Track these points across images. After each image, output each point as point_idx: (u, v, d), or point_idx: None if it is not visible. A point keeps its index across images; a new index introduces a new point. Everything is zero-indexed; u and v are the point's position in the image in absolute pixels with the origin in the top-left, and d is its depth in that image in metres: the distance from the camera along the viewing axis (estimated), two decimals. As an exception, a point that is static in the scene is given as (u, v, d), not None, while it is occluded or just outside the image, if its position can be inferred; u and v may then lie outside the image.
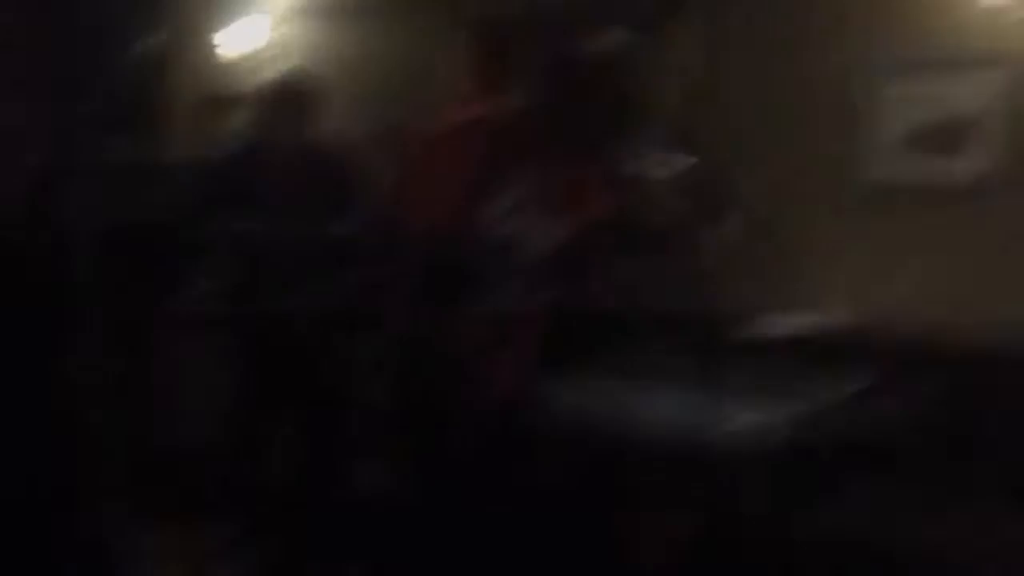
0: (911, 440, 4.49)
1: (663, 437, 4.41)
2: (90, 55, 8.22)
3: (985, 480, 4.70)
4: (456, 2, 6.95)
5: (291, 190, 5.49)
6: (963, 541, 4.50)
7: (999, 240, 5.34)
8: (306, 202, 5.49)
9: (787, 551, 4.37)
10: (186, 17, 8.77)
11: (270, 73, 7.50)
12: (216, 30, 8.34)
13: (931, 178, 5.44)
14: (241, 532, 5.58)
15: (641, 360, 5.02)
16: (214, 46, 8.41)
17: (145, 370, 6.04)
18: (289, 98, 5.62)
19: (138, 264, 6.18)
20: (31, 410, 2.97)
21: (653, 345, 5.02)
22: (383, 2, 7.43)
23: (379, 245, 5.42)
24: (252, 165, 5.63)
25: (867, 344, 4.94)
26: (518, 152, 4.11)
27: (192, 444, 6.43)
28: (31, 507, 2.93)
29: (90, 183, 4.43)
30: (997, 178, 5.35)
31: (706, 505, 4.09)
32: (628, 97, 4.35)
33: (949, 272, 5.36)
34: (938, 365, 4.83)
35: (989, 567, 4.44)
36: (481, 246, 4.02)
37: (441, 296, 4.09)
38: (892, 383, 4.56)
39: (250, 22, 8.17)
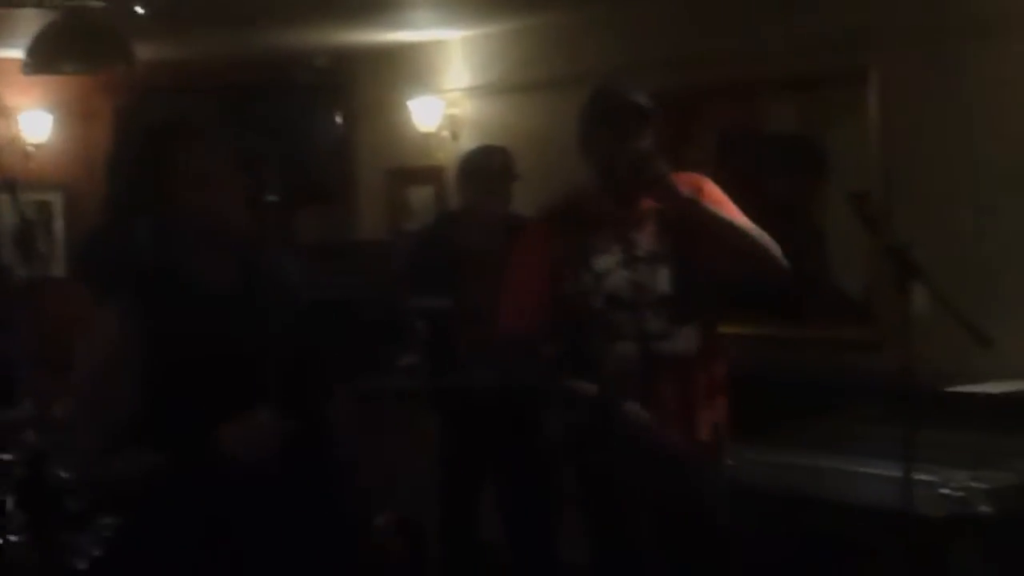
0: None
1: (870, 505, 4.43)
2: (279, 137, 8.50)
3: None
4: (633, 73, 7.08)
5: (488, 262, 5.56)
6: None
7: None
8: (502, 274, 5.56)
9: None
10: (368, 97, 9.01)
11: (454, 148, 7.71)
12: (398, 108, 8.56)
13: None
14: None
15: (843, 428, 5.04)
16: (397, 123, 8.62)
17: (341, 445, 6.17)
18: (489, 171, 5.70)
19: (334, 341, 6.34)
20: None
21: (855, 413, 5.03)
22: (558, 78, 7.55)
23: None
24: (449, 239, 5.74)
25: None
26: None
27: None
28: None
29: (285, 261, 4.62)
30: None
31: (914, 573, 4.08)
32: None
33: None
34: None
35: None
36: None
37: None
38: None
39: (428, 101, 8.37)
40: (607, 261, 4.11)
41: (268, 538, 3.07)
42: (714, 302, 4.24)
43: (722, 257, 4.13)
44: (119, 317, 3.01)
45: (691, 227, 4.10)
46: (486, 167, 5.72)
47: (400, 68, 8.64)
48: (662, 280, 4.11)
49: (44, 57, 5.36)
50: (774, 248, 4.14)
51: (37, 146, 8.50)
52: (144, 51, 6.19)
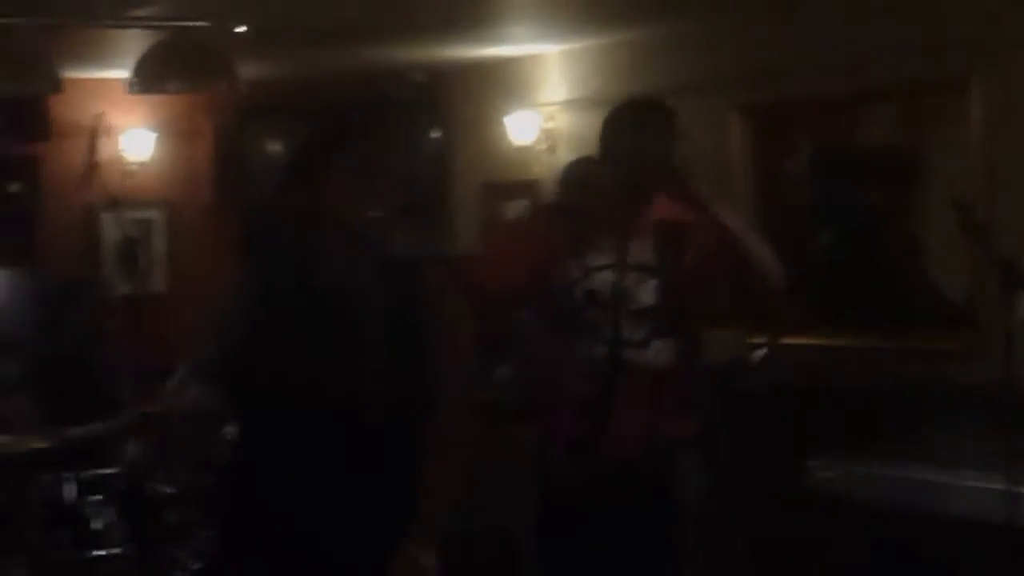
0: None
1: (971, 518, 4.37)
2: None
3: None
4: (729, 87, 7.06)
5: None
6: None
7: None
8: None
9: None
10: (465, 112, 9.06)
11: (553, 163, 7.72)
12: (495, 122, 8.60)
13: None
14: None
15: (944, 439, 4.97)
16: (494, 138, 8.67)
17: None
18: (587, 184, 5.70)
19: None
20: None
21: (956, 424, 4.96)
22: (652, 91, 7.54)
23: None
24: None
25: None
26: None
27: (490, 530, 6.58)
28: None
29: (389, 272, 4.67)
30: None
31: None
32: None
33: None
34: None
35: None
36: None
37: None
38: None
39: (525, 115, 8.40)
40: (599, 260, 4.12)
41: (360, 550, 3.10)
42: (698, 319, 4.24)
43: (717, 269, 4.12)
44: (252, 275, 3.21)
45: (691, 236, 4.11)
46: (584, 179, 5.72)
47: (497, 83, 8.67)
48: (647, 291, 4.11)
49: (150, 77, 5.46)
50: (774, 265, 4.13)
51: (139, 164, 8.62)
52: (244, 70, 6.27)
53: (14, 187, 8.27)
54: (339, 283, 3.16)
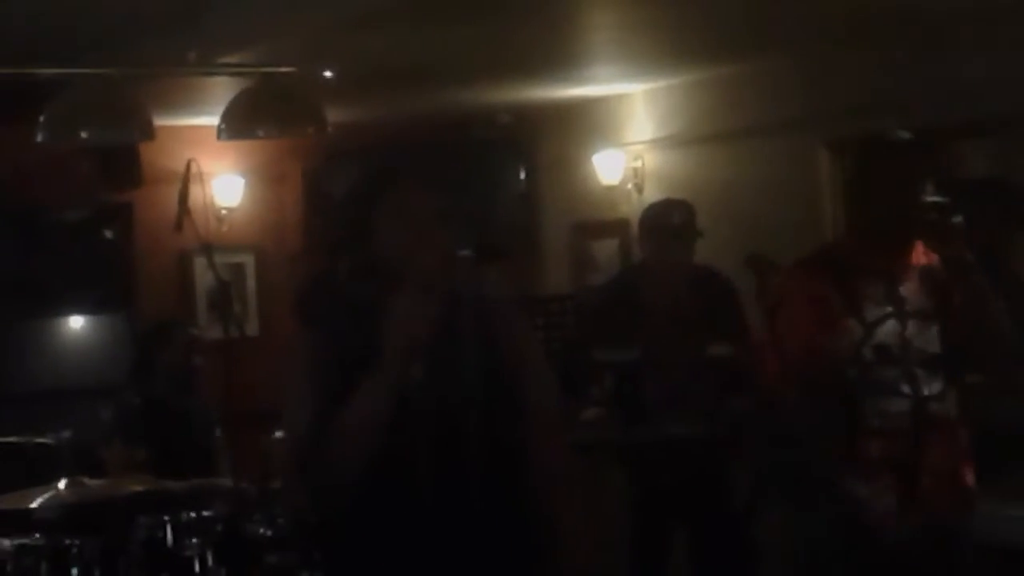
0: None
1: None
2: (463, 194, 8.59)
3: None
4: (818, 123, 7.01)
5: (674, 315, 5.57)
6: None
7: None
8: (690, 327, 5.56)
9: None
10: (552, 152, 9.08)
11: (638, 201, 7.71)
12: (582, 162, 8.61)
13: None
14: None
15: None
16: (581, 177, 8.68)
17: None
18: (670, 225, 5.69)
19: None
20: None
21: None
22: (741, 128, 7.52)
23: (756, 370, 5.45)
24: (635, 292, 5.74)
25: None
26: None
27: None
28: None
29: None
30: None
31: None
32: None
33: None
34: None
35: None
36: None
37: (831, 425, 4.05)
38: None
39: (612, 154, 8.40)
40: (877, 312, 3.98)
41: None
42: (975, 363, 4.14)
43: (980, 312, 4.01)
44: (314, 342, 3.17)
45: (957, 283, 4.00)
46: (667, 221, 5.71)
47: (583, 122, 8.69)
48: (932, 338, 4.01)
49: (238, 123, 5.53)
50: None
51: (230, 209, 8.73)
52: (332, 114, 6.33)
53: (109, 233, 8.39)
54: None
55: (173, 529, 4.81)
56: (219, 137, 5.71)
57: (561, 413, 3.35)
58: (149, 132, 5.64)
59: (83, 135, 5.43)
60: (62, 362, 8.12)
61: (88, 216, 8.37)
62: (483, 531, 3.09)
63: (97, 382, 7.02)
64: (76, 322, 8.31)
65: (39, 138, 5.41)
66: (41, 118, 5.41)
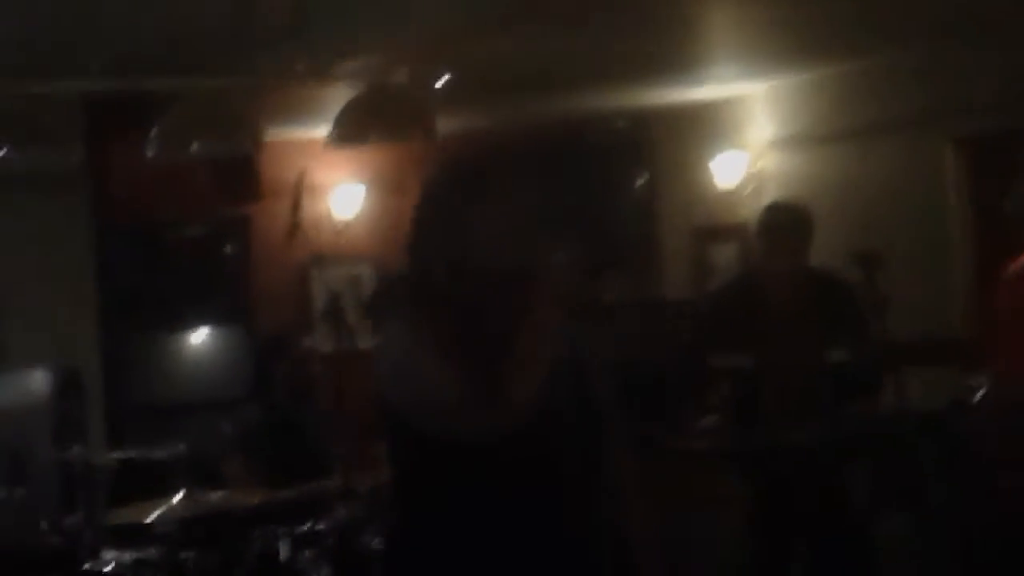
0: None
1: None
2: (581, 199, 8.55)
3: None
4: (944, 119, 6.84)
5: (792, 319, 5.45)
6: None
7: None
8: (809, 331, 5.44)
9: None
10: (671, 156, 8.98)
11: (758, 204, 7.58)
12: (701, 166, 8.51)
13: None
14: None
15: None
16: (700, 181, 8.57)
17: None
18: (790, 226, 5.58)
19: (642, 400, 6.29)
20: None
21: None
22: (863, 127, 7.37)
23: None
24: (752, 296, 5.63)
25: None
26: None
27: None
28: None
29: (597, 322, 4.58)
30: None
31: None
32: None
33: None
34: None
35: None
36: None
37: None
38: None
39: (731, 157, 8.28)
40: None
41: None
42: None
43: None
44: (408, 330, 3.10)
45: None
46: (783, 223, 5.59)
47: (702, 125, 8.58)
48: None
49: (347, 130, 5.49)
50: None
51: (347, 221, 8.72)
52: (444, 122, 6.29)
53: (228, 247, 8.44)
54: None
55: (288, 542, 4.80)
56: (328, 144, 5.68)
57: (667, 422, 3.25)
58: (261, 144, 5.63)
59: (194, 148, 5.43)
60: (183, 375, 8.18)
61: (208, 231, 8.43)
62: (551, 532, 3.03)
63: (217, 395, 7.05)
64: (197, 336, 8.36)
65: (150, 152, 5.43)
66: (152, 132, 5.43)
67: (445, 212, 3.09)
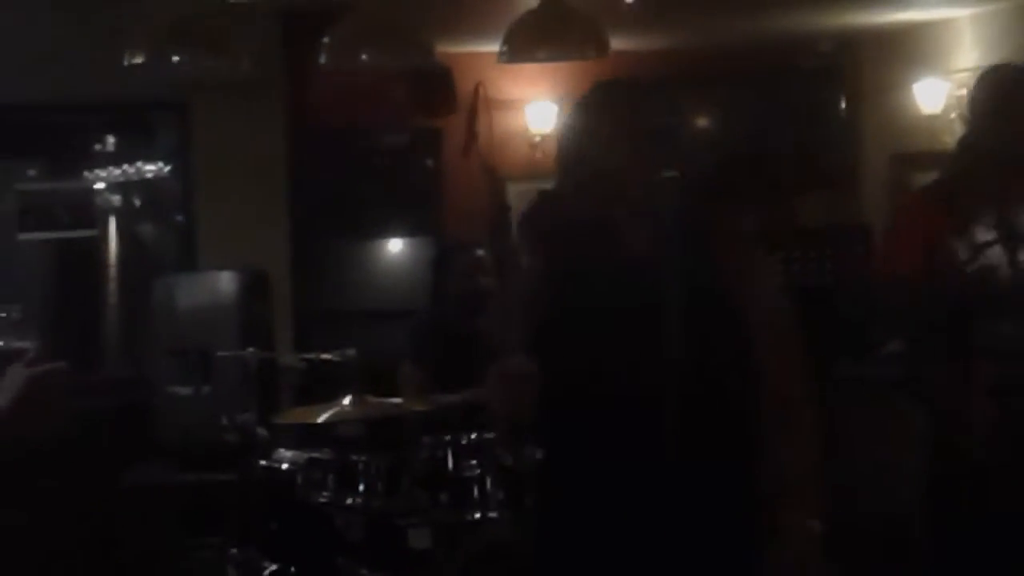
0: None
1: None
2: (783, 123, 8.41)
3: None
4: None
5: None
6: None
7: None
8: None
9: None
10: (873, 81, 8.81)
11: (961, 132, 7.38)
12: (903, 91, 8.33)
13: None
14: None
15: None
16: (902, 107, 8.40)
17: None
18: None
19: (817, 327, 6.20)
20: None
21: None
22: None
23: None
24: None
25: None
26: None
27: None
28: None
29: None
30: None
31: None
32: None
33: None
34: None
35: None
36: None
37: None
38: None
39: (935, 83, 8.09)
40: (986, 235, 3.92)
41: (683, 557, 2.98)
42: None
43: None
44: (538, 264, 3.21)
45: None
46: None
47: (905, 50, 8.41)
48: None
49: (518, 45, 5.47)
50: None
51: (543, 136, 8.75)
52: (636, 40, 6.23)
53: (422, 159, 8.54)
54: (635, 259, 3.03)
55: (453, 450, 4.88)
56: (499, 60, 5.65)
57: (797, 336, 3.14)
58: (431, 56, 5.63)
59: (363, 58, 5.46)
60: (378, 283, 8.33)
61: (407, 141, 8.53)
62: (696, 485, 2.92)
63: (405, 305, 7.16)
64: (394, 245, 8.50)
65: (321, 60, 5.46)
66: (324, 40, 5.47)
67: (575, 130, 3.11)
